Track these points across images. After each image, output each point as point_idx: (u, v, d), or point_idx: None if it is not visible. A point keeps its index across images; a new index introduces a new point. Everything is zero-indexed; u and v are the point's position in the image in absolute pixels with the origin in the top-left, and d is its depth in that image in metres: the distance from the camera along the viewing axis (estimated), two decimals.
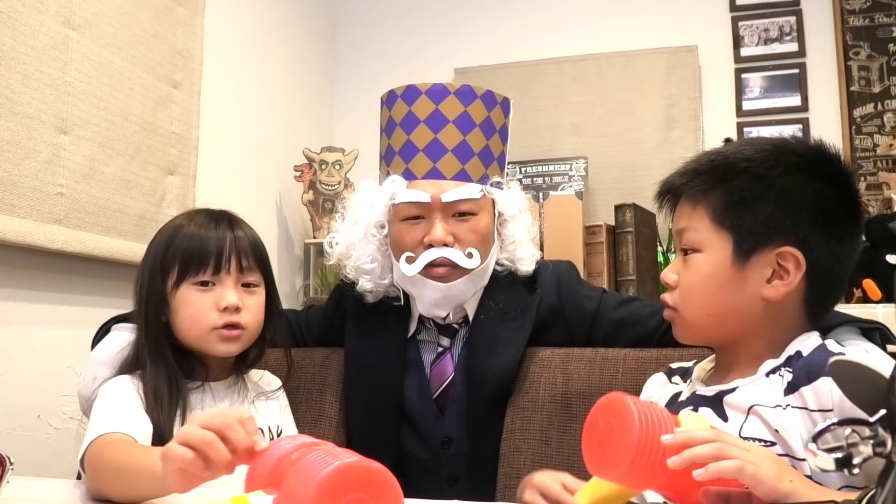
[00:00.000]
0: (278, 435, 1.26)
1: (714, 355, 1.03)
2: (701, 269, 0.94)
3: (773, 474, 0.70)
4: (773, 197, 0.90)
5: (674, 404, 1.00)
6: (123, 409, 1.07)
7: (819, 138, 0.95)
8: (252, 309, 1.18)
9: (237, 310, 1.15)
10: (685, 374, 1.06)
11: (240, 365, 1.24)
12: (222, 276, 1.15)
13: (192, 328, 1.14)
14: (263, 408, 1.26)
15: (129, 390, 1.11)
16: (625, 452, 0.72)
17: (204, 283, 1.14)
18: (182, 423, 1.10)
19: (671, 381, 1.07)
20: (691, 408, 0.96)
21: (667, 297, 1.00)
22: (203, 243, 1.14)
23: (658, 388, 1.09)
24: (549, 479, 0.97)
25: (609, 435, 0.75)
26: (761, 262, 0.91)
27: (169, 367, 1.13)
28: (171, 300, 1.14)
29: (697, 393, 0.97)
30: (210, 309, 1.13)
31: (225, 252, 1.15)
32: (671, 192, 1.01)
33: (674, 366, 1.11)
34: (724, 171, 0.94)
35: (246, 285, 1.18)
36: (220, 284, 1.15)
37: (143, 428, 1.05)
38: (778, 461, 0.74)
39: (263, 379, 1.30)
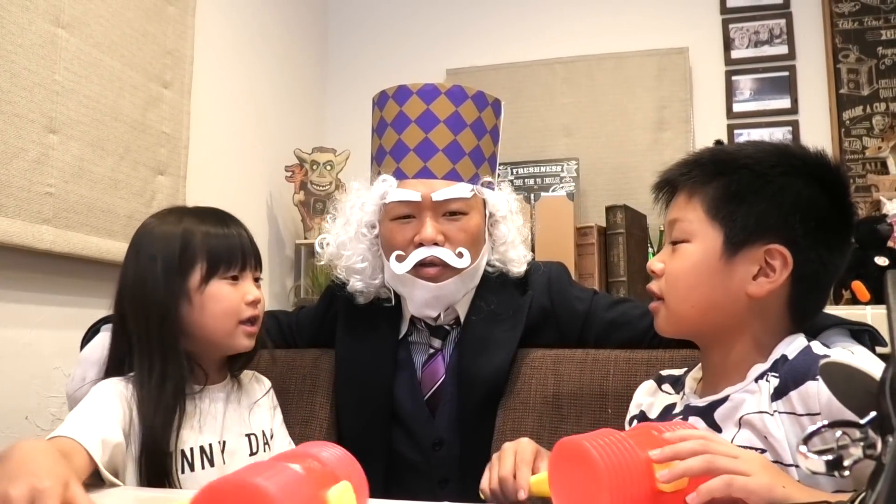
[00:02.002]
0: (270, 438, 1.26)
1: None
2: (688, 259, 0.95)
3: (765, 482, 0.70)
4: (769, 194, 0.91)
5: (668, 416, 1.00)
6: (92, 415, 1.04)
7: (821, 148, 0.96)
8: (262, 302, 1.22)
9: (258, 303, 1.19)
10: (676, 382, 1.06)
11: (232, 367, 1.23)
12: (246, 272, 1.18)
13: (222, 322, 1.15)
14: (258, 408, 1.26)
15: (114, 397, 1.08)
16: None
17: (234, 278, 1.16)
18: (178, 430, 1.09)
19: (661, 389, 1.07)
20: (681, 418, 0.96)
21: (653, 285, 1.00)
22: (229, 241, 1.16)
23: (648, 396, 1.09)
24: (508, 463, 0.95)
25: (577, 482, 0.73)
26: (749, 257, 0.91)
27: (182, 370, 1.12)
28: (196, 297, 1.13)
29: (690, 405, 0.97)
30: (240, 302, 1.16)
31: (247, 249, 1.18)
32: (669, 184, 1.01)
33: (664, 373, 1.11)
34: (724, 165, 0.95)
35: (255, 279, 1.21)
36: (244, 280, 1.18)
37: (104, 435, 1.01)
38: (770, 466, 0.74)
39: (253, 379, 1.30)
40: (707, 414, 0.92)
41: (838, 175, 0.95)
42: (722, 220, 0.93)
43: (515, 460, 0.96)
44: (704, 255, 0.94)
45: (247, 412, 1.23)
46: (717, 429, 0.91)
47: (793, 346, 0.90)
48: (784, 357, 0.89)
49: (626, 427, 1.08)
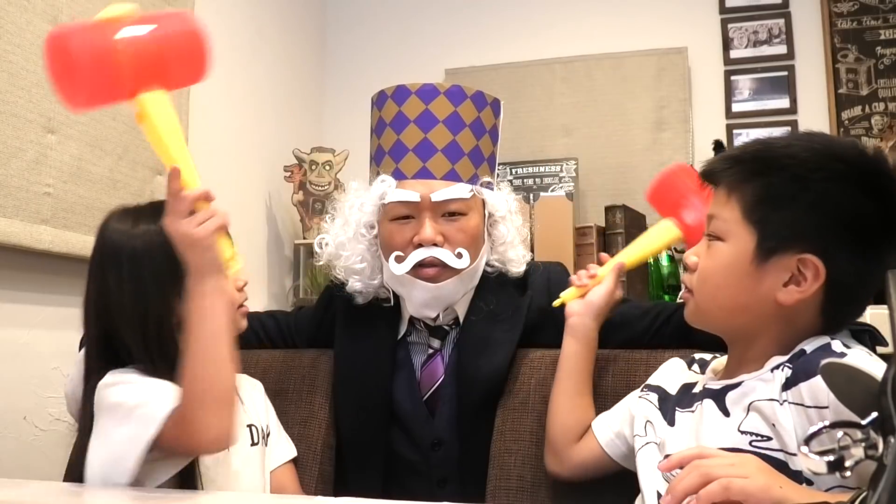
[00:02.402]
0: (267, 435, 1.26)
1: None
2: (720, 259, 0.94)
3: (762, 483, 0.70)
4: (807, 202, 0.88)
5: (686, 394, 1.01)
6: (155, 389, 1.03)
7: (879, 149, 0.93)
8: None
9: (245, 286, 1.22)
10: (704, 365, 1.06)
11: None
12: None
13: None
14: (248, 400, 1.26)
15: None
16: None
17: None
18: None
19: (690, 369, 1.08)
20: (699, 401, 0.96)
21: (685, 278, 1.00)
22: None
23: (675, 372, 1.09)
24: None
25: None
26: (781, 264, 0.90)
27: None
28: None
29: (706, 386, 0.97)
30: (233, 290, 1.17)
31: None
32: (712, 176, 0.99)
33: (696, 356, 1.11)
34: (764, 164, 0.92)
35: None
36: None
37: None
38: (766, 469, 0.74)
39: (244, 380, 1.30)
40: (719, 397, 0.93)
41: (890, 180, 0.90)
42: (756, 224, 0.91)
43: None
44: (736, 258, 0.92)
45: (243, 405, 1.23)
46: (726, 412, 0.91)
47: (814, 343, 0.89)
48: (802, 351, 0.88)
49: (639, 393, 1.09)
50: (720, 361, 1.04)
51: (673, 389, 1.05)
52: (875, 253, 0.89)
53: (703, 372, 1.05)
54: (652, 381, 1.10)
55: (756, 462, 0.75)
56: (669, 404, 1.02)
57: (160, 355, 1.09)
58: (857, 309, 0.95)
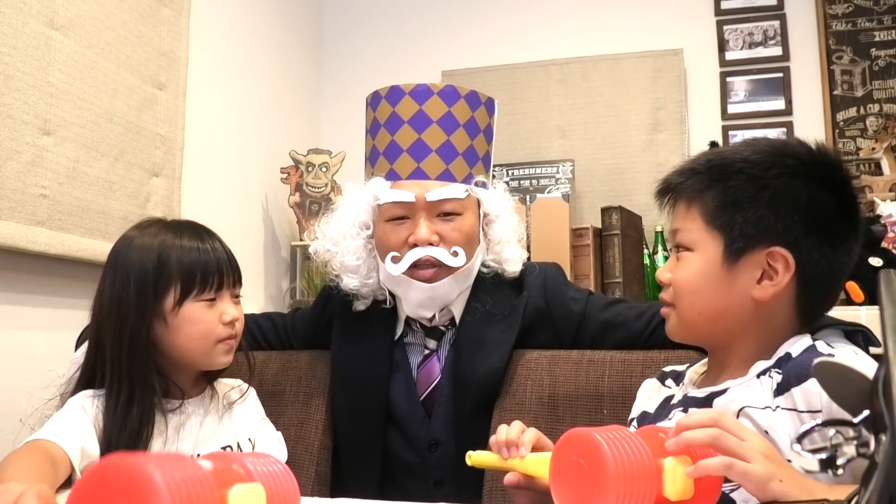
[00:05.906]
0: (252, 448, 1.25)
1: (706, 359, 1.04)
2: (692, 269, 0.95)
3: (763, 473, 0.70)
4: (766, 199, 0.91)
5: (665, 407, 1.01)
6: (72, 424, 1.07)
7: (821, 142, 0.95)
8: (241, 319, 1.21)
9: (235, 322, 1.18)
10: (678, 377, 1.07)
11: (210, 377, 1.24)
12: (223, 291, 1.17)
13: (198, 344, 1.15)
14: (237, 418, 1.25)
15: (88, 412, 1.10)
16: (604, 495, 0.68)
17: (210, 300, 1.15)
18: (147, 446, 1.09)
19: (664, 385, 1.08)
20: (681, 409, 0.96)
21: (663, 294, 1.01)
22: (204, 261, 1.15)
23: (650, 393, 1.09)
24: (516, 428, 1.00)
25: (582, 475, 0.71)
26: (751, 262, 0.91)
27: (151, 393, 1.12)
28: (171, 319, 1.13)
29: (689, 395, 0.97)
30: (216, 323, 1.15)
31: (225, 268, 1.17)
32: (670, 191, 1.01)
33: (666, 369, 1.11)
34: (719, 171, 0.94)
35: (235, 296, 1.21)
36: (220, 299, 1.17)
37: (83, 444, 1.04)
38: (773, 458, 0.74)
39: (237, 389, 1.30)
40: (705, 405, 0.93)
41: (839, 171, 0.94)
42: (721, 229, 0.93)
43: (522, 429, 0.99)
44: (707, 265, 0.94)
45: (227, 421, 1.23)
46: None
47: (797, 344, 0.90)
48: (788, 355, 0.89)
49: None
50: (695, 370, 1.04)
51: (652, 409, 1.05)
52: (839, 240, 0.92)
53: (678, 384, 1.05)
54: (633, 412, 1.11)
55: (766, 448, 0.74)
56: (648, 422, 1.02)
57: (130, 371, 1.11)
58: (830, 297, 0.97)
